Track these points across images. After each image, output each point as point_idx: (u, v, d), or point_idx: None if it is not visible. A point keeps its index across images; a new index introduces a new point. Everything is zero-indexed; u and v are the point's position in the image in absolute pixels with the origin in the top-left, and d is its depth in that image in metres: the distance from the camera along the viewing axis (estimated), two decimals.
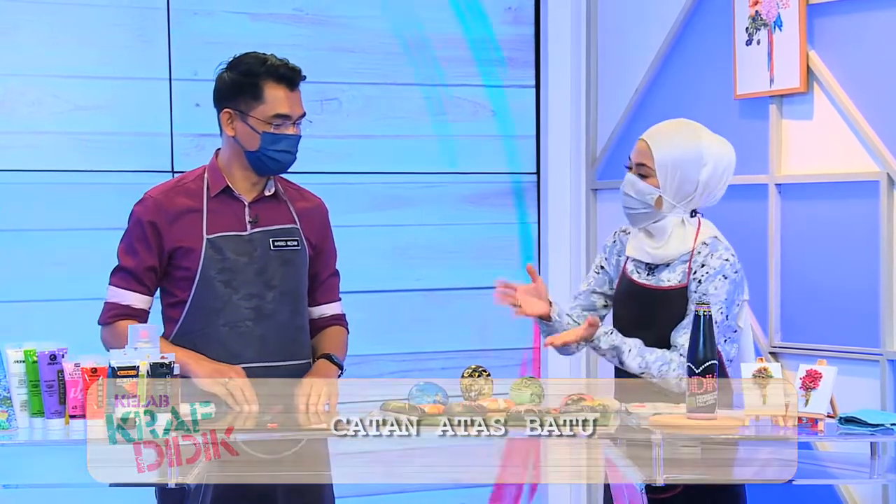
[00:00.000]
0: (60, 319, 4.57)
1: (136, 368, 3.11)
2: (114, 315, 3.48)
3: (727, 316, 3.41)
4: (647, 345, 3.43)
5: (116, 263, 3.52)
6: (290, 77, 3.44)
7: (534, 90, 5.29)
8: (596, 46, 5.18)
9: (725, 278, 3.42)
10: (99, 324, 3.51)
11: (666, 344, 3.42)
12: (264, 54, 3.47)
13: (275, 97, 3.42)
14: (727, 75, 4.52)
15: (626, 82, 5.02)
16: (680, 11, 4.76)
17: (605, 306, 3.66)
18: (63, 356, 3.14)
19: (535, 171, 5.30)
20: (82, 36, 4.64)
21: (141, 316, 3.49)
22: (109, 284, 3.51)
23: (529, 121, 5.30)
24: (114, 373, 3.09)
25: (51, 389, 3.13)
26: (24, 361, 3.14)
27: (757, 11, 4.38)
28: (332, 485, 3.59)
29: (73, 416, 3.11)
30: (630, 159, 3.51)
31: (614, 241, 3.65)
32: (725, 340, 3.39)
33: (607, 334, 3.43)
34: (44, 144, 4.61)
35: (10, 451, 3.12)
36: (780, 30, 4.30)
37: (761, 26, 4.36)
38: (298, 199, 3.59)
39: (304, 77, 3.49)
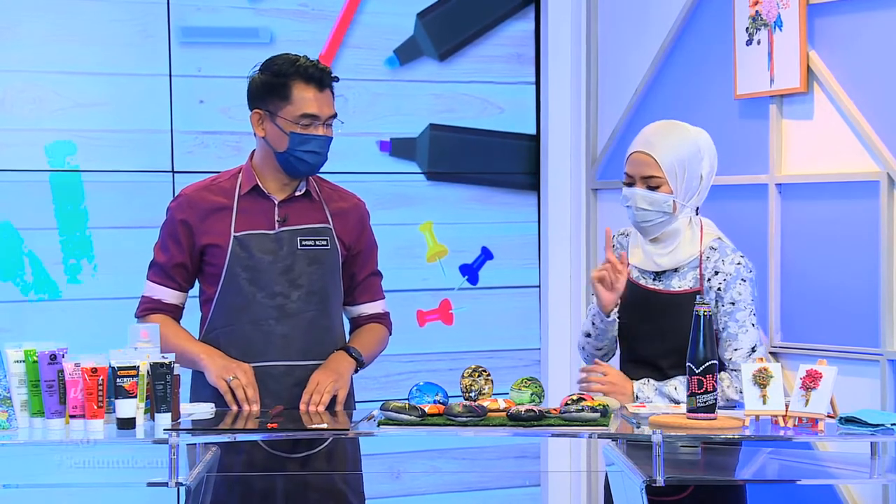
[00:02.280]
0: (60, 319, 4.58)
1: (136, 368, 3.11)
2: (146, 309, 3.53)
3: (753, 312, 3.44)
4: (657, 349, 3.42)
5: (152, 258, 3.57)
6: (318, 77, 3.44)
7: (534, 86, 5.28)
8: (596, 46, 5.18)
9: (744, 281, 3.43)
10: (135, 316, 3.56)
11: (678, 350, 3.36)
12: (296, 55, 3.48)
13: (302, 97, 3.43)
14: (727, 75, 4.52)
15: (627, 82, 5.01)
16: (680, 11, 4.76)
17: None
18: (63, 356, 3.14)
19: (535, 170, 5.30)
20: (83, 32, 4.63)
21: (173, 311, 3.53)
22: (146, 278, 3.56)
23: (531, 120, 5.29)
24: (114, 373, 3.10)
25: (51, 389, 3.13)
26: (24, 361, 3.14)
27: (757, 11, 4.38)
28: (361, 486, 3.58)
29: (73, 416, 3.11)
30: (630, 175, 3.47)
31: (614, 246, 3.62)
32: (749, 329, 3.43)
33: (644, 384, 3.43)
34: (44, 142, 4.60)
35: (10, 451, 3.12)
36: (781, 30, 4.30)
37: (761, 26, 4.36)
38: (334, 199, 3.59)
39: (336, 78, 3.50)
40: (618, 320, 3.54)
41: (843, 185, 4.17)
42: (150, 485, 3.04)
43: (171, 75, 4.74)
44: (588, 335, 3.59)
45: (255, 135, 3.52)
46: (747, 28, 4.42)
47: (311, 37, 4.93)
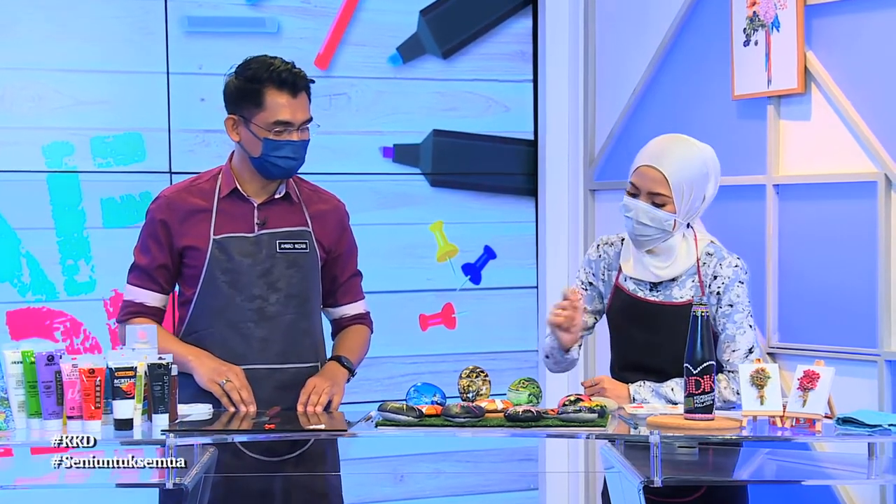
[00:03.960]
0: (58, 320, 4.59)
1: (133, 369, 3.11)
2: (128, 313, 3.50)
3: (751, 314, 3.44)
4: (666, 360, 3.41)
5: (132, 261, 3.54)
6: (292, 82, 3.40)
7: (531, 83, 5.28)
8: (594, 47, 5.18)
9: (742, 283, 3.43)
10: (116, 321, 3.54)
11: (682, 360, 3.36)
12: (271, 59, 3.44)
13: (275, 104, 3.39)
14: (725, 76, 4.52)
15: (624, 83, 5.01)
16: (678, 12, 4.76)
17: (596, 322, 3.64)
18: (61, 357, 3.14)
19: (533, 172, 5.30)
20: (83, 29, 4.62)
21: (156, 314, 3.50)
22: (126, 282, 3.53)
23: (531, 119, 5.29)
24: (111, 374, 3.10)
25: (48, 390, 3.12)
26: (21, 362, 3.14)
27: (755, 12, 4.38)
28: (340, 487, 3.58)
29: (70, 417, 3.10)
30: (636, 186, 3.42)
31: (600, 256, 3.58)
32: (746, 331, 3.43)
33: (640, 386, 3.43)
34: (43, 141, 4.60)
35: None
36: (778, 30, 4.30)
37: (759, 27, 4.37)
38: (314, 202, 3.56)
39: (312, 81, 3.47)
40: (615, 333, 3.56)
41: (841, 186, 4.17)
42: (148, 485, 3.04)
43: (168, 73, 4.73)
44: (547, 357, 3.61)
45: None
46: (745, 29, 4.43)
47: (313, 34, 4.92)
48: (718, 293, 3.42)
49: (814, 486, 4.04)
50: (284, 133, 3.40)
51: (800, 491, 4.12)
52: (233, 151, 3.54)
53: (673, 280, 3.45)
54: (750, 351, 3.40)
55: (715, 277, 3.43)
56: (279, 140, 3.40)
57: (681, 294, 3.44)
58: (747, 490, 3.43)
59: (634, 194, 3.43)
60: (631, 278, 3.49)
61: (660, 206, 3.39)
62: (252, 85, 3.40)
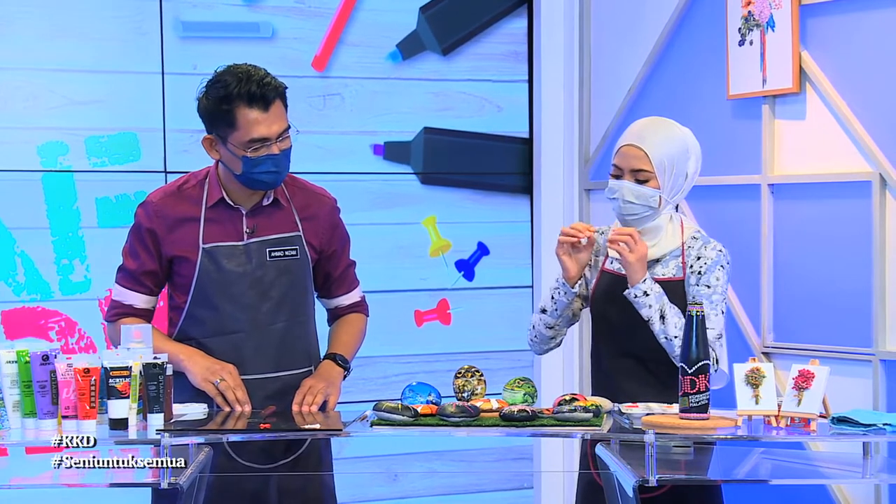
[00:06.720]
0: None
1: (128, 369, 3.11)
2: (117, 314, 3.48)
3: (724, 300, 3.45)
4: (641, 338, 3.42)
5: (121, 262, 3.52)
6: (261, 96, 3.31)
7: (526, 83, 5.28)
8: (589, 46, 5.18)
9: (722, 268, 3.45)
10: (105, 320, 3.53)
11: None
12: (241, 73, 3.34)
13: (248, 122, 3.32)
14: (720, 75, 4.53)
15: (619, 82, 5.02)
16: (673, 12, 4.76)
17: (581, 308, 3.65)
18: (55, 356, 3.13)
19: (528, 171, 5.30)
20: (78, 29, 4.61)
21: (145, 315, 3.48)
22: (115, 281, 3.51)
23: (526, 119, 5.29)
24: (106, 373, 3.09)
25: (43, 390, 3.12)
26: (16, 362, 3.14)
27: (750, 12, 4.38)
28: (334, 490, 3.57)
29: (65, 417, 3.10)
30: (619, 167, 3.47)
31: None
32: (719, 314, 3.43)
33: (653, 280, 3.42)
34: (37, 141, 4.59)
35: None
36: (773, 30, 4.31)
37: (754, 27, 4.37)
38: (304, 203, 3.52)
39: (284, 88, 3.39)
40: (589, 308, 3.56)
41: (836, 186, 4.18)
42: (143, 485, 3.03)
43: (163, 73, 4.73)
44: (543, 311, 3.58)
45: None
46: (740, 28, 4.43)
47: (309, 34, 4.92)
48: (700, 272, 3.44)
49: (808, 485, 4.04)
50: (263, 149, 3.34)
51: (794, 490, 4.12)
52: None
53: (657, 260, 3.48)
54: (720, 336, 3.40)
55: (698, 258, 3.46)
56: (258, 157, 3.35)
57: (663, 272, 3.47)
58: (720, 487, 3.43)
59: (618, 175, 3.48)
60: (617, 259, 3.51)
61: (643, 182, 3.43)
62: (222, 106, 3.33)
